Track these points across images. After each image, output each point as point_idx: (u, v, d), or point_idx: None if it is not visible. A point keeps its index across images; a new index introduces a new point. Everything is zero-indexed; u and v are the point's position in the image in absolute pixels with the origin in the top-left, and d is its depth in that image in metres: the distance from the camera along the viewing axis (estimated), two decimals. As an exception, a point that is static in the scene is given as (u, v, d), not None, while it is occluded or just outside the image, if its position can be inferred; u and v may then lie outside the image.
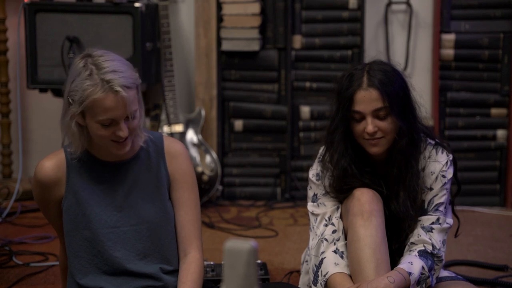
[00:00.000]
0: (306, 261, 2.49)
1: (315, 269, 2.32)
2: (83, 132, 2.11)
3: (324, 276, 2.27)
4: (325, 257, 2.30)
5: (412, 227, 2.34)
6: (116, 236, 2.18)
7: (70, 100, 2.07)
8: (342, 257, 2.29)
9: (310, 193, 2.40)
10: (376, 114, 2.24)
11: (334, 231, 2.33)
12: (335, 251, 2.30)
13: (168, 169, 2.22)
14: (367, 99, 2.23)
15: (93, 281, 2.19)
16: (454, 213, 2.44)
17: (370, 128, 2.23)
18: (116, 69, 2.05)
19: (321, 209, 2.37)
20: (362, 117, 2.25)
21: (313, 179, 2.39)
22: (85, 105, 2.04)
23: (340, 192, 2.35)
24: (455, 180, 2.40)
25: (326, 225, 2.34)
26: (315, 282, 2.31)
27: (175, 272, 2.25)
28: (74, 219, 2.18)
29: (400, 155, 2.29)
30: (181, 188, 2.23)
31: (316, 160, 2.41)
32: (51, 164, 2.18)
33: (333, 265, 2.28)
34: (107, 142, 2.09)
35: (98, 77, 2.03)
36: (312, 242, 2.37)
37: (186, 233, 2.22)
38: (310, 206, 2.39)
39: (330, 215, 2.34)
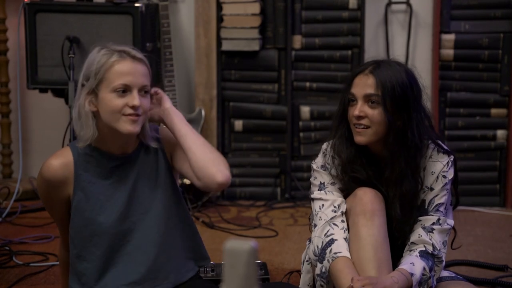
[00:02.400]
0: (307, 261, 2.48)
1: (319, 249, 2.28)
2: (93, 118, 2.13)
3: (336, 253, 2.25)
4: (337, 239, 2.28)
5: (404, 230, 2.34)
6: (126, 227, 2.20)
7: (84, 82, 2.12)
8: (348, 249, 2.29)
9: (316, 182, 2.39)
10: (367, 100, 2.27)
11: (342, 221, 2.33)
12: (345, 239, 2.30)
13: (166, 152, 2.26)
14: (362, 83, 2.28)
15: (102, 276, 2.20)
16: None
17: (356, 111, 2.27)
18: (129, 47, 2.16)
19: (329, 196, 2.36)
20: (356, 101, 2.29)
21: (319, 169, 2.39)
22: (101, 74, 2.09)
23: (348, 178, 2.34)
24: (454, 192, 2.41)
25: (335, 212, 2.33)
26: (321, 259, 2.28)
27: (182, 263, 2.26)
28: (83, 214, 2.20)
29: (388, 151, 2.29)
30: (179, 153, 2.23)
31: (320, 154, 2.41)
32: (59, 163, 2.19)
33: (346, 249, 2.27)
34: (119, 117, 2.11)
35: (114, 50, 2.12)
36: (317, 225, 2.34)
37: None
38: (317, 194, 2.37)
39: (340, 204, 2.34)
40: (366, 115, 2.26)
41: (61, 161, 2.19)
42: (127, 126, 2.12)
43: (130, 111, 2.11)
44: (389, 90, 2.25)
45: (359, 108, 2.27)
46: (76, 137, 2.18)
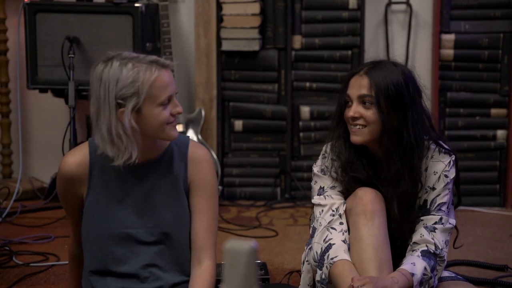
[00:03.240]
0: (307, 261, 2.48)
1: (318, 255, 2.29)
2: (135, 134, 2.08)
3: (332, 259, 2.25)
4: (334, 243, 2.28)
5: (403, 231, 2.35)
6: (131, 237, 2.18)
7: (121, 101, 2.05)
8: (348, 250, 2.29)
9: (316, 187, 2.40)
10: (361, 101, 2.28)
11: (341, 223, 2.33)
12: (344, 241, 2.30)
13: (188, 175, 2.21)
14: (357, 84, 2.29)
15: (103, 281, 2.20)
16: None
17: (350, 112, 2.28)
18: (146, 55, 2.11)
19: (328, 200, 2.36)
20: (351, 102, 2.30)
21: (319, 173, 2.40)
22: (146, 91, 2.04)
23: (347, 179, 2.35)
24: (456, 191, 2.41)
25: (333, 215, 2.33)
26: (320, 266, 2.28)
27: (184, 282, 2.24)
28: (93, 216, 2.18)
29: (383, 151, 2.29)
30: (199, 195, 2.22)
31: (320, 156, 2.42)
32: (75, 161, 2.17)
33: (343, 252, 2.27)
34: (165, 127, 2.10)
35: (144, 63, 2.07)
36: (316, 231, 2.35)
37: (201, 241, 2.21)
38: (317, 199, 2.38)
39: (338, 207, 2.34)
40: (361, 115, 2.27)
41: (77, 160, 2.17)
42: (173, 133, 2.13)
43: (173, 119, 2.11)
44: (383, 90, 2.26)
45: (353, 109, 2.28)
46: (114, 157, 2.09)
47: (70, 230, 2.34)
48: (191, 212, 2.22)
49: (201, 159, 2.22)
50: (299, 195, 4.25)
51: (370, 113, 2.27)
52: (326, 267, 2.26)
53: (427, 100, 2.38)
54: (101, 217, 2.17)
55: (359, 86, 2.28)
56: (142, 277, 2.19)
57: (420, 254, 2.29)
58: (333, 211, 2.34)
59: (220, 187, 4.23)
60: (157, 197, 2.19)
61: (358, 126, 2.28)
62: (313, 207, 2.42)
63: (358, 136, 2.29)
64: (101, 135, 2.08)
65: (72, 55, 3.56)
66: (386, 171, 2.31)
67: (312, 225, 2.45)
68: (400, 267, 2.26)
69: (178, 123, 4.13)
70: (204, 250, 2.22)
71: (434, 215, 2.34)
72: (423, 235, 2.32)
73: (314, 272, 2.35)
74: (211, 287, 2.20)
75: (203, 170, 2.22)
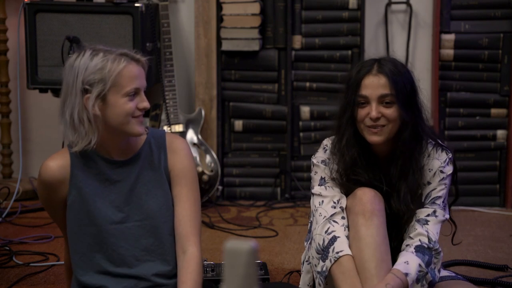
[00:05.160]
0: (307, 261, 2.48)
1: (321, 246, 2.28)
2: (97, 122, 2.12)
3: (338, 253, 2.26)
4: (339, 237, 2.28)
5: (410, 221, 2.35)
6: (120, 232, 2.19)
7: (87, 87, 2.10)
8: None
9: (317, 177, 2.39)
10: (381, 101, 2.27)
11: (343, 217, 2.33)
12: (346, 237, 2.30)
13: (168, 164, 2.24)
14: (375, 84, 2.27)
15: (93, 279, 2.20)
16: (451, 218, 2.44)
17: (373, 113, 2.26)
18: (120, 48, 2.16)
19: (329, 191, 2.36)
20: (367, 102, 2.28)
21: (319, 163, 2.39)
22: (112, 79, 2.08)
23: (347, 180, 2.34)
24: (454, 189, 2.41)
25: (334, 207, 2.33)
26: (323, 258, 2.28)
27: (175, 274, 2.24)
28: (77, 215, 2.19)
29: (404, 147, 2.30)
30: (179, 184, 2.23)
31: (321, 149, 2.41)
32: (56, 164, 2.19)
33: (348, 246, 2.28)
34: (129, 119, 2.12)
35: (114, 54, 2.11)
36: (318, 222, 2.34)
37: (184, 229, 2.21)
38: (317, 189, 2.38)
39: (339, 199, 2.34)
40: (383, 115, 2.27)
41: (58, 163, 2.19)
42: (137, 128, 2.14)
43: (139, 112, 2.14)
44: (401, 87, 2.26)
45: (375, 110, 2.26)
46: (72, 143, 2.15)
47: (64, 240, 2.34)
48: (174, 201, 2.24)
49: (180, 147, 2.25)
50: (299, 195, 4.25)
51: (390, 112, 2.27)
52: (330, 260, 2.26)
53: (423, 96, 2.39)
54: (86, 214, 2.18)
55: (377, 86, 2.26)
56: (132, 273, 2.19)
57: (414, 250, 2.29)
58: (334, 203, 2.34)
59: (220, 187, 4.23)
60: (141, 190, 2.21)
61: (379, 126, 2.27)
62: (311, 197, 2.41)
63: (379, 135, 2.28)
64: (64, 120, 2.13)
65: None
66: (401, 165, 2.31)
67: (310, 220, 2.45)
68: (393, 268, 2.26)
69: (178, 123, 4.13)
70: (188, 237, 2.20)
71: (428, 207, 2.35)
72: (416, 229, 2.33)
73: (314, 265, 2.34)
74: (198, 275, 2.18)
75: (182, 159, 2.24)
